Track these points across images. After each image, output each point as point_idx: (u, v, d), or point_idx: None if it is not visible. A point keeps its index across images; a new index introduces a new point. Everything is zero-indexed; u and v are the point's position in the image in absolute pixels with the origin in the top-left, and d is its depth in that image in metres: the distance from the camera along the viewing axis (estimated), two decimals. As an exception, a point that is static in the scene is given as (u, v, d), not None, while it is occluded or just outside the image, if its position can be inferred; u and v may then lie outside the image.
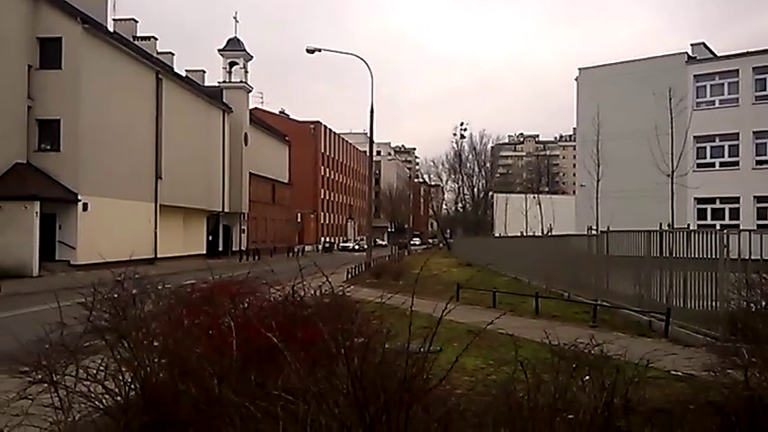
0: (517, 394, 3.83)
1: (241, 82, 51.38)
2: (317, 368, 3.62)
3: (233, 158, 49.36)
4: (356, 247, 77.10)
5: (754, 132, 30.74)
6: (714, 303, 9.79)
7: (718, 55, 34.90)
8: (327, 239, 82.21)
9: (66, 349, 4.23)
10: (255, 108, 66.11)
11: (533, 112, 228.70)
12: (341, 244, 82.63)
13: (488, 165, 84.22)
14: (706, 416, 4.46)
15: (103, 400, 4.08)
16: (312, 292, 5.13)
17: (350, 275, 24.60)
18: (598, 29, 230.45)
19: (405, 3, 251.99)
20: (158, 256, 35.91)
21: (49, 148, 29.40)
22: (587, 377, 4.19)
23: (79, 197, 29.23)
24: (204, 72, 52.11)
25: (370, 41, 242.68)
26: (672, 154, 24.92)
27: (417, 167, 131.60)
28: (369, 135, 33.33)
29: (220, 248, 48.83)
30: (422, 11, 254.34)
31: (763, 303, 5.50)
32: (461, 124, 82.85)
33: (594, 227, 19.37)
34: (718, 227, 26.66)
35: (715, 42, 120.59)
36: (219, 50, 51.49)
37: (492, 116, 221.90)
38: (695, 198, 30.94)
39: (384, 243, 76.65)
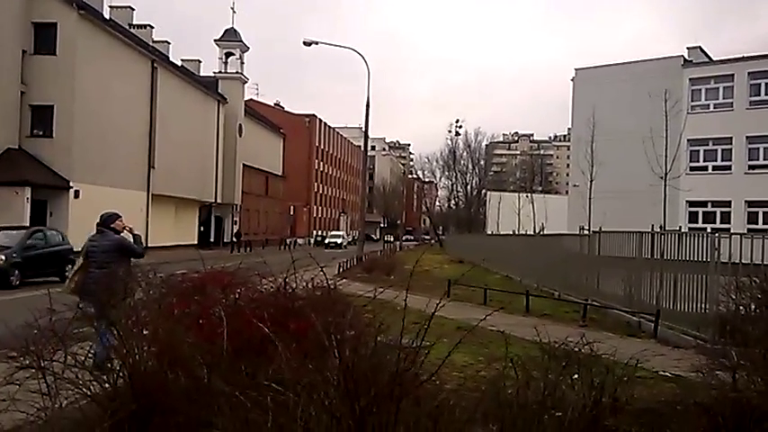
0: (507, 391, 3.84)
1: (237, 73, 51.17)
2: (309, 360, 3.62)
3: (227, 149, 49.20)
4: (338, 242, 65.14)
5: (747, 137, 30.91)
6: (704, 306, 9.84)
7: (714, 59, 35.06)
8: (320, 233, 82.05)
9: (55, 335, 4.20)
10: (251, 100, 65.91)
11: (528, 111, 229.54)
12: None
13: (482, 162, 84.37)
14: (693, 416, 4.48)
15: (91, 387, 4.06)
16: (304, 284, 5.13)
17: (341, 269, 24.56)
18: (595, 29, 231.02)
19: (401, 1, 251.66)
20: (149, 245, 35.68)
21: (41, 134, 29.23)
22: (576, 375, 4.21)
23: (71, 184, 29.09)
24: (200, 62, 51.95)
25: (366, 38, 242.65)
26: (665, 156, 25.06)
27: (411, 163, 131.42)
28: (364, 129, 33.27)
29: (212, 239, 48.70)
30: (418, 9, 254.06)
31: (753, 306, 5.53)
32: (456, 121, 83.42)
33: (586, 227, 19.44)
34: (709, 230, 26.84)
35: (711, 46, 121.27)
36: (216, 41, 51.26)
37: (487, 114, 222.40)
38: (687, 201, 31.10)
39: (376, 238, 75.93)
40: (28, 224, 26.70)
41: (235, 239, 48.17)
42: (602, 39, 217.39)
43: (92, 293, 6.21)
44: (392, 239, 69.73)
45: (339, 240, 66.60)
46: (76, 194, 29.34)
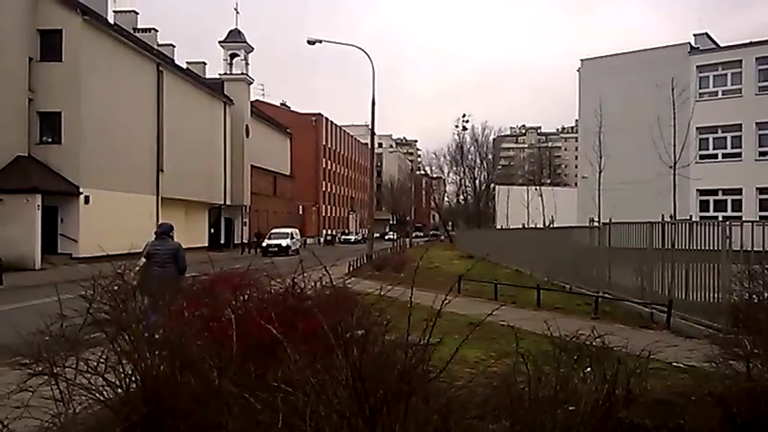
0: (518, 386, 3.83)
1: (242, 74, 51.24)
2: (317, 360, 3.61)
3: (234, 151, 49.30)
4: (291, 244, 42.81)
5: (756, 123, 30.56)
6: (716, 295, 9.77)
7: (721, 45, 34.72)
8: (329, 232, 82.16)
9: (67, 341, 4.22)
10: (257, 100, 65.97)
11: (535, 103, 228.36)
12: (342, 236, 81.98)
13: (490, 157, 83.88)
14: (707, 407, 4.45)
15: (104, 393, 4.08)
16: (313, 284, 5.12)
17: (351, 268, 24.56)
18: (600, 20, 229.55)
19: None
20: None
21: (50, 140, 29.40)
22: (589, 369, 4.19)
23: (81, 190, 29.23)
24: (205, 64, 51.94)
25: (371, 35, 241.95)
26: (674, 145, 24.86)
27: (419, 160, 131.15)
28: (370, 127, 33.25)
29: (222, 241, 48.83)
30: (420, 5, 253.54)
31: (766, 295, 5.47)
32: (463, 116, 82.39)
33: (596, 219, 19.34)
34: (720, 218, 26.65)
35: (718, 33, 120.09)
36: (220, 42, 51.35)
37: (494, 108, 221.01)
38: (697, 190, 30.84)
39: (391, 236, 75.33)
40: (40, 232, 26.95)
41: (255, 239, 48.01)
42: (607, 29, 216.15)
43: (152, 288, 6.80)
44: (396, 237, 69.12)
45: (284, 243, 42.69)
46: (87, 200, 29.49)
